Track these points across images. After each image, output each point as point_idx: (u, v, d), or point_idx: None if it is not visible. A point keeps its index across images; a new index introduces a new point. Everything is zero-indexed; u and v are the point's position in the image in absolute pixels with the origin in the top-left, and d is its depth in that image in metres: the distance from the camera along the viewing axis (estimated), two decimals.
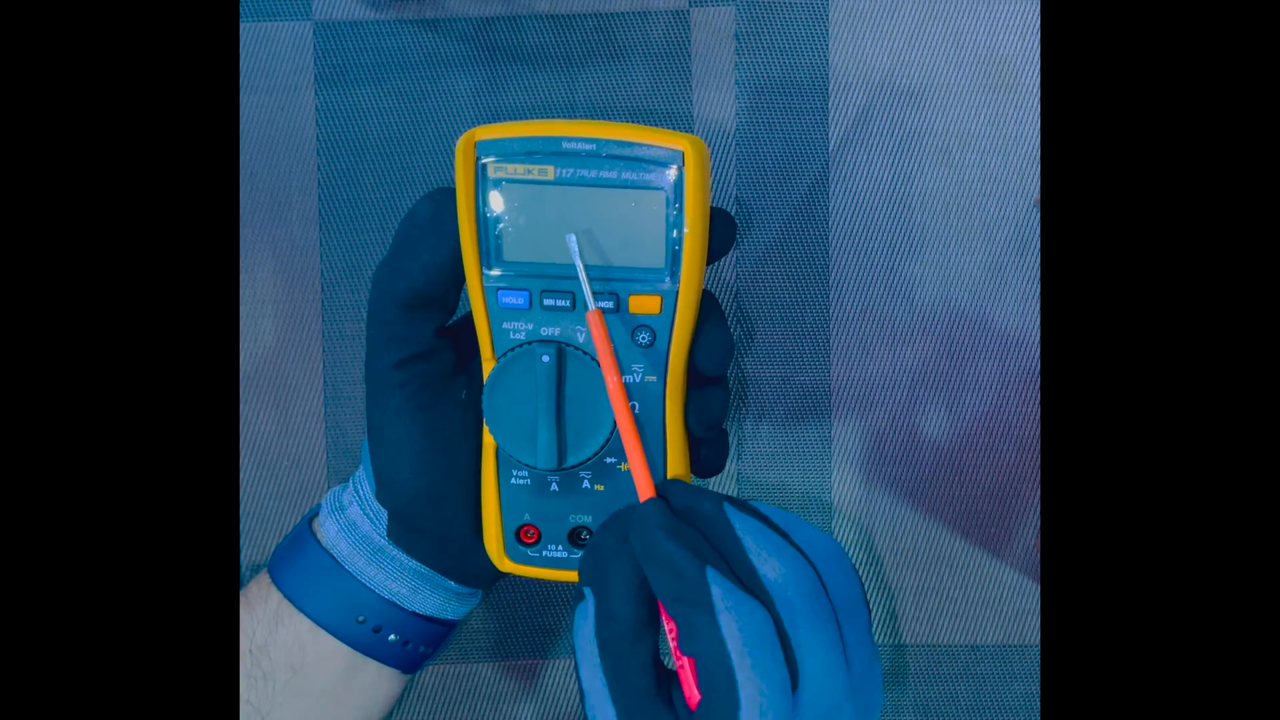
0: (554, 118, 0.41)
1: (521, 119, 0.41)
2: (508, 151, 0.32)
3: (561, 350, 0.32)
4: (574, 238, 0.32)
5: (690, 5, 0.41)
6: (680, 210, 0.32)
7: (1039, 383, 0.42)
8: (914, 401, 0.42)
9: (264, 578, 0.37)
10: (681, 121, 0.41)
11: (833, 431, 0.42)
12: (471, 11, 0.41)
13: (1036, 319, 0.41)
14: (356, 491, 0.36)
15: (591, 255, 0.32)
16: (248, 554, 0.42)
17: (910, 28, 0.41)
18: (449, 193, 0.32)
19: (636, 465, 0.31)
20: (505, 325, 0.33)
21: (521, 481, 0.34)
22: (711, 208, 0.33)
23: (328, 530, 0.36)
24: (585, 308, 0.32)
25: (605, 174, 0.32)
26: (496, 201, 0.32)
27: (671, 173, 0.31)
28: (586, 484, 0.34)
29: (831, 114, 0.41)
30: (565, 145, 0.31)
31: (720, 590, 0.28)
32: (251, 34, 0.41)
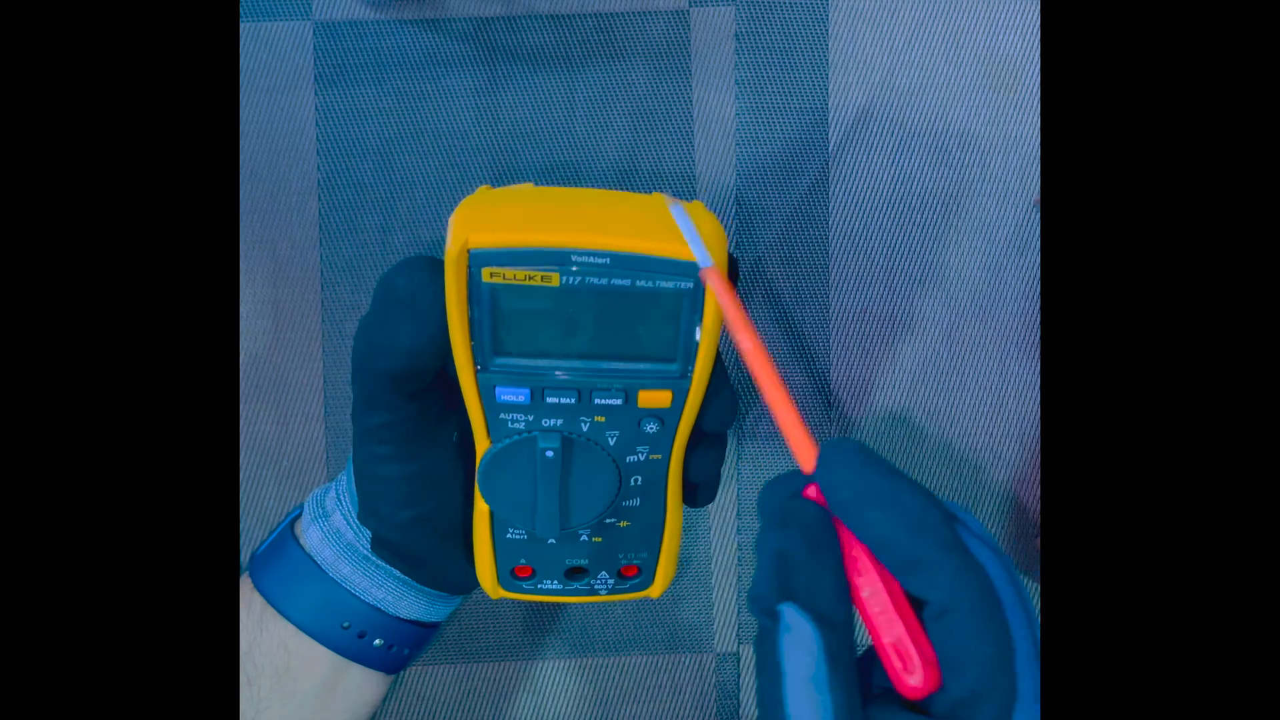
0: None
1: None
2: (507, 262, 0.28)
3: (567, 441, 0.31)
4: (680, 207, 0.29)
5: (690, 5, 0.41)
6: (698, 312, 0.29)
7: (1039, 383, 0.42)
8: (914, 401, 0.42)
9: (245, 582, 0.37)
10: (681, 121, 0.41)
11: (832, 431, 0.42)
12: (471, 11, 0.41)
13: (1036, 319, 0.41)
14: (340, 500, 0.36)
15: (599, 349, 0.30)
16: (247, 554, 0.42)
17: (910, 27, 0.41)
18: (428, 268, 0.30)
19: (795, 430, 0.28)
20: (503, 416, 0.31)
21: (518, 536, 0.34)
22: None
23: (311, 536, 0.36)
24: (591, 403, 0.31)
25: (618, 281, 0.29)
26: (493, 304, 0.29)
27: (690, 281, 0.29)
28: (584, 537, 0.34)
29: (831, 114, 0.41)
30: (575, 259, 0.28)
31: (965, 536, 0.25)
32: (251, 34, 0.41)
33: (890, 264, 0.41)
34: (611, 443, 0.32)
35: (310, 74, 0.41)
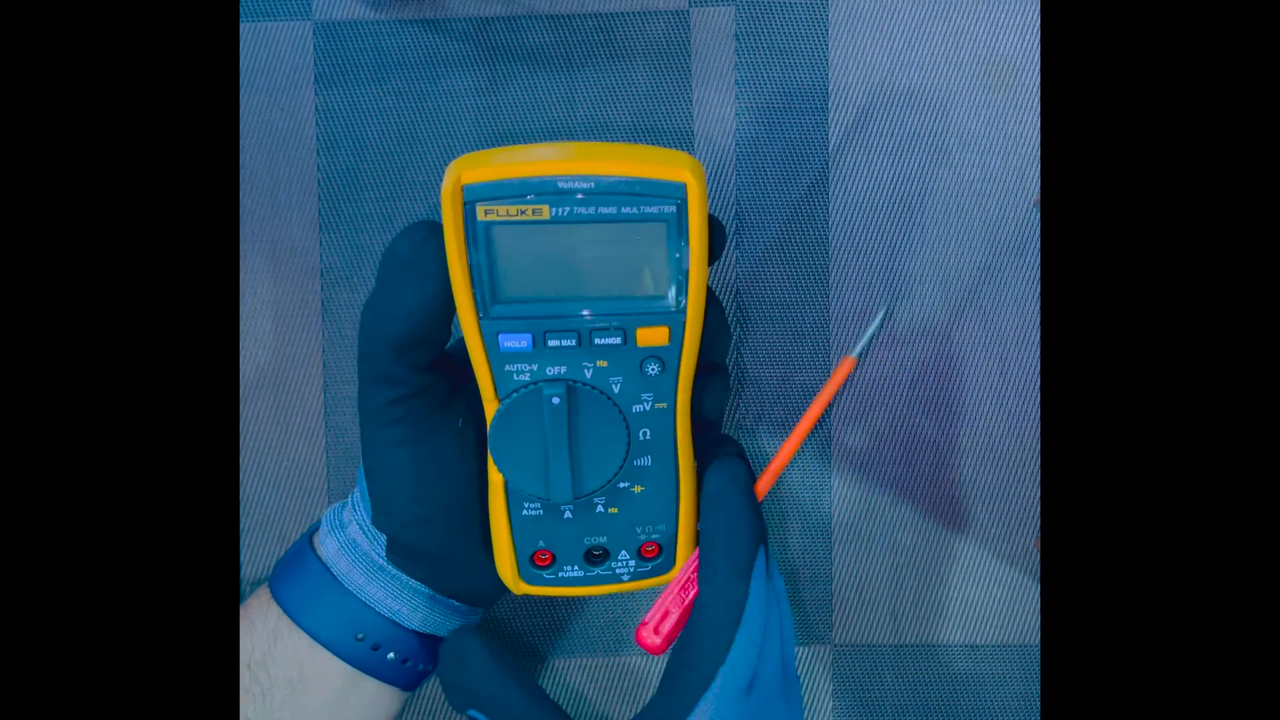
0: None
1: (514, 135, 0.40)
2: (498, 194, 0.30)
3: (572, 389, 0.32)
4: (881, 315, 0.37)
5: (690, 5, 0.41)
6: (684, 240, 0.30)
7: (1039, 383, 0.42)
8: (914, 401, 0.42)
9: (264, 592, 0.37)
10: (681, 121, 0.41)
11: (832, 432, 0.42)
12: (471, 11, 0.41)
13: (1036, 319, 0.41)
14: (355, 509, 0.36)
15: (594, 288, 0.31)
16: (246, 559, 0.42)
17: (910, 28, 0.41)
18: (429, 227, 0.31)
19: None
20: (508, 368, 0.32)
21: (534, 512, 0.34)
22: None
23: (327, 547, 0.36)
24: (591, 345, 0.31)
25: (604, 209, 0.30)
26: (489, 244, 0.30)
27: (672, 204, 0.30)
28: (600, 508, 0.34)
29: (831, 114, 0.41)
30: (561, 185, 0.30)
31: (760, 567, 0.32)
32: (251, 34, 0.41)
33: (890, 264, 0.41)
34: (616, 389, 0.32)
35: (310, 74, 0.41)
